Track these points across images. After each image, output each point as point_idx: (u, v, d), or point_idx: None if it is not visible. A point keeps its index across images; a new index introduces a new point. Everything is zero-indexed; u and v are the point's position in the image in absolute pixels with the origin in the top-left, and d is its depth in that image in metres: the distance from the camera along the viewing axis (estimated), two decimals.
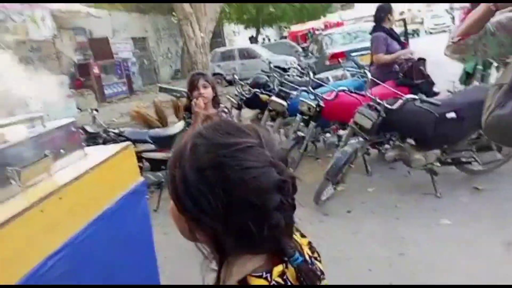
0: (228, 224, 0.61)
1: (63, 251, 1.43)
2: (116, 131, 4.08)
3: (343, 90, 3.79)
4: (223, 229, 0.62)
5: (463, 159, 3.41)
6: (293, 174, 0.64)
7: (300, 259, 0.64)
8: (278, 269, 0.64)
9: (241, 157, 0.60)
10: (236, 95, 5.61)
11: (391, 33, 4.34)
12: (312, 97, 4.04)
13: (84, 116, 5.39)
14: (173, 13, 14.17)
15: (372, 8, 4.93)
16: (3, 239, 1.23)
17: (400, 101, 3.23)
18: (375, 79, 3.74)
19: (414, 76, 3.99)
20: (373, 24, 4.50)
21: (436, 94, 4.02)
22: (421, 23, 30.07)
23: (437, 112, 3.14)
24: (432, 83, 4.05)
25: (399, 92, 3.39)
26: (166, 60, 19.50)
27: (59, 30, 12.91)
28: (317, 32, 16.61)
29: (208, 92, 2.49)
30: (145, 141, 3.99)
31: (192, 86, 2.50)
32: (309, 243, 0.76)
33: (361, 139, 3.40)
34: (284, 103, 4.44)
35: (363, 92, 3.77)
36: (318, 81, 4.70)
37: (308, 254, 0.73)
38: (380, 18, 4.34)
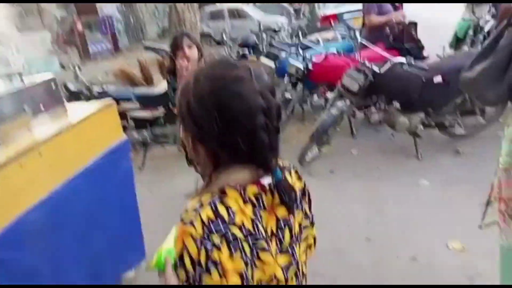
0: (222, 140, 0.75)
1: (43, 206, 1.44)
2: (100, 89, 3.99)
3: (332, 52, 3.74)
4: (218, 144, 0.76)
5: (447, 123, 3.46)
6: (278, 102, 0.78)
7: (280, 175, 0.77)
8: (253, 189, 0.76)
9: (232, 86, 0.74)
10: (224, 56, 5.48)
11: None
12: (301, 59, 3.98)
13: (67, 74, 5.23)
14: None
15: None
16: None
17: (387, 65, 3.21)
18: (364, 42, 3.69)
19: (405, 40, 3.95)
20: None
21: (425, 58, 4.00)
22: None
23: (424, 76, 3.15)
24: (422, 47, 4.02)
25: (388, 55, 3.36)
26: (153, 18, 18.79)
27: None
28: None
29: (193, 53, 2.29)
30: (129, 100, 3.92)
31: (176, 47, 2.29)
32: (303, 188, 0.88)
33: (347, 101, 3.40)
34: (272, 64, 4.38)
35: (352, 55, 3.73)
36: (307, 43, 4.62)
37: (299, 189, 0.85)
38: None
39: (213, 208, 0.72)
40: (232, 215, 0.73)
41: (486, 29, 5.08)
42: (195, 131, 0.78)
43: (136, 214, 2.12)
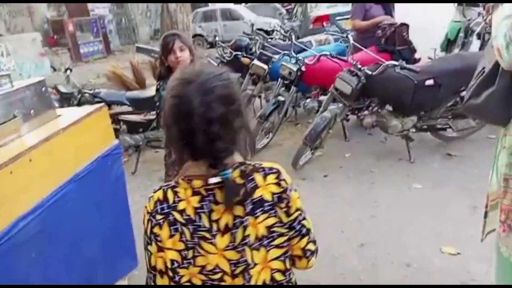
0: (177, 138, 0.84)
1: (35, 213, 1.41)
2: (92, 92, 3.96)
3: (325, 55, 3.75)
4: (177, 142, 0.85)
5: (438, 126, 3.49)
6: (224, 111, 0.82)
7: (228, 174, 0.83)
8: (198, 182, 0.85)
9: (178, 87, 0.83)
10: (217, 57, 5.47)
11: None
12: (294, 61, 3.99)
13: (58, 76, 5.18)
14: None
15: None
16: None
17: (380, 68, 3.22)
18: (357, 44, 3.70)
19: (396, 42, 3.97)
20: None
21: (417, 60, 4.02)
22: None
23: (416, 79, 3.17)
24: (414, 50, 4.04)
25: (380, 58, 3.38)
26: (145, 19, 18.69)
27: None
28: None
29: (185, 56, 2.16)
30: (122, 103, 3.89)
31: (167, 50, 2.16)
32: (280, 194, 0.89)
33: (340, 105, 3.41)
34: (266, 66, 4.37)
35: (344, 58, 3.74)
36: (300, 45, 4.62)
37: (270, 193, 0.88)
38: None
39: (164, 191, 0.87)
40: (177, 201, 0.85)
41: (477, 31, 5.15)
42: (166, 138, 0.91)
43: (128, 220, 2.09)
